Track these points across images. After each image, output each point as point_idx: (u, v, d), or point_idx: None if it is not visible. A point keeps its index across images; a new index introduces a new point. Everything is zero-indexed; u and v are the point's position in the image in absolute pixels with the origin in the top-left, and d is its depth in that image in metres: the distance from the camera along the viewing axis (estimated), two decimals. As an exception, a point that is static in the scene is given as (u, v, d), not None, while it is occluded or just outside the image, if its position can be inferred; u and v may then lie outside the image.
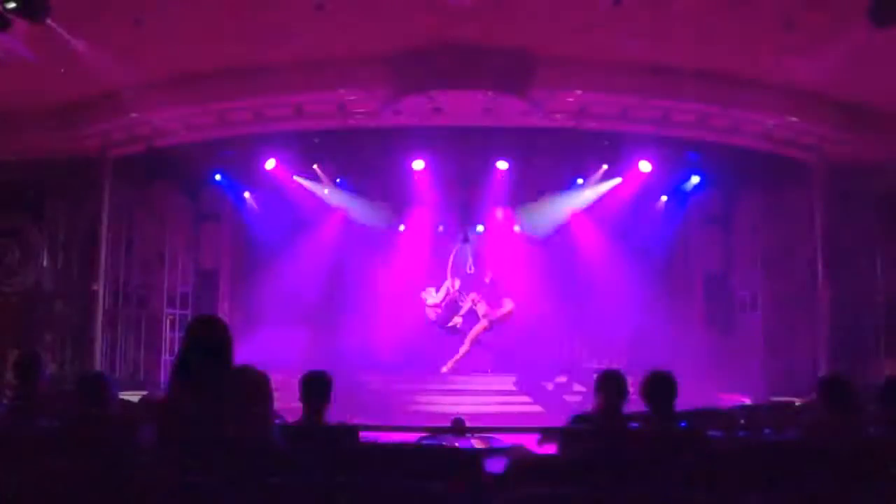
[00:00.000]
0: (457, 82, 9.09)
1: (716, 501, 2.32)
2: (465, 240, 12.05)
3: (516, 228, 13.72)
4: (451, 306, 12.86)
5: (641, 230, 12.97)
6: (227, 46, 8.53)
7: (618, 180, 12.50)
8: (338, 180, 12.88)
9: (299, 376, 4.45)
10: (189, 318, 12.12)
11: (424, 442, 5.21)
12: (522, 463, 3.27)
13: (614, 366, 11.58)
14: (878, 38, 7.03)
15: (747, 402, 10.13)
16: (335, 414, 4.38)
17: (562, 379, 12.24)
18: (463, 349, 12.87)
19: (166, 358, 12.05)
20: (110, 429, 3.92)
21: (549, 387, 12.08)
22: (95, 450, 3.15)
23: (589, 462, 3.05)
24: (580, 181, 12.87)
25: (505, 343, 13.23)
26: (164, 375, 11.71)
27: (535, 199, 13.21)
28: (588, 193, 12.96)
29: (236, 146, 11.42)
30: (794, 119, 9.80)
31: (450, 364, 12.72)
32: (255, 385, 3.03)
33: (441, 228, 13.52)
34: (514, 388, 12.16)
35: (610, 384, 4.46)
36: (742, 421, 6.24)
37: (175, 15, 7.65)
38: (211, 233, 13.34)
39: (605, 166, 12.33)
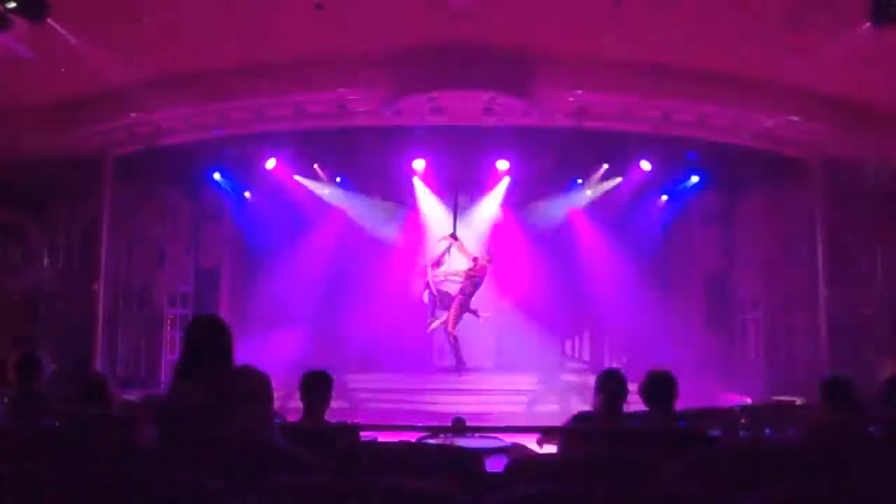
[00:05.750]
0: (457, 82, 9.10)
1: (716, 501, 2.32)
2: (454, 237, 12.29)
3: (516, 228, 13.71)
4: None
5: (641, 230, 12.97)
6: (227, 46, 8.53)
7: (618, 180, 12.51)
8: (338, 180, 12.89)
9: (299, 376, 4.45)
10: (189, 318, 12.13)
11: (424, 442, 5.21)
12: (522, 463, 3.28)
13: (614, 365, 11.63)
14: (878, 38, 7.03)
15: (747, 402, 10.13)
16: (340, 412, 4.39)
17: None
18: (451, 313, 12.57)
19: (167, 358, 12.05)
20: (110, 429, 3.92)
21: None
22: (95, 450, 3.15)
23: (589, 462, 3.05)
24: (580, 181, 12.88)
25: (505, 342, 13.23)
26: (164, 375, 11.71)
27: (535, 199, 13.21)
28: (588, 193, 12.97)
29: (236, 146, 11.43)
30: (794, 119, 9.81)
31: (436, 324, 12.58)
32: (256, 385, 3.03)
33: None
34: (514, 388, 12.16)
35: (610, 384, 4.46)
36: (742, 421, 6.23)
37: (175, 15, 7.66)
38: (211, 233, 13.34)
39: (605, 166, 12.34)
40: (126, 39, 7.94)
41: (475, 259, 12.64)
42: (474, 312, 12.68)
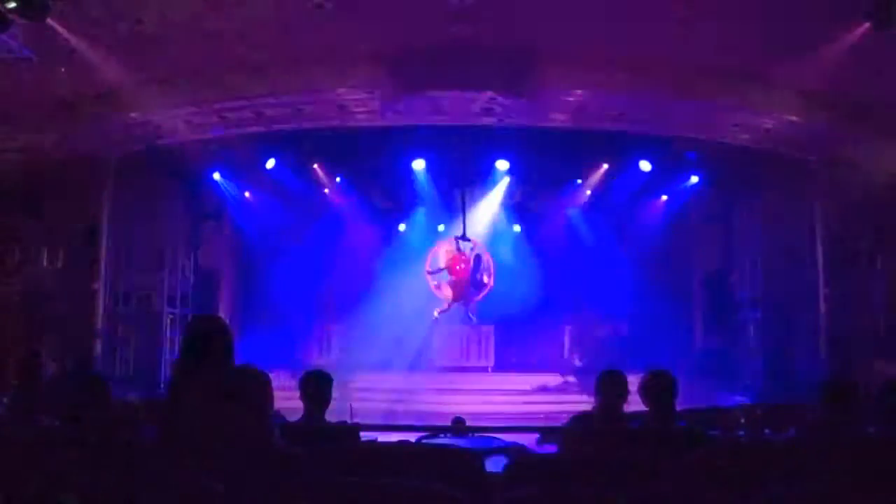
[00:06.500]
0: (457, 82, 9.09)
1: (716, 501, 2.32)
2: (464, 237, 12.16)
3: (516, 228, 13.72)
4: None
5: (641, 230, 12.98)
6: (228, 46, 8.53)
7: (618, 180, 12.52)
8: (338, 180, 12.89)
9: (299, 376, 4.45)
10: (189, 318, 12.14)
11: (424, 442, 5.21)
12: (522, 463, 3.28)
13: (614, 366, 11.60)
14: (878, 38, 7.04)
15: (747, 402, 10.13)
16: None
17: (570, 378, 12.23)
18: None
19: (166, 358, 12.05)
20: (110, 429, 3.92)
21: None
22: (95, 450, 3.15)
23: (589, 462, 3.05)
24: (580, 181, 12.89)
25: (505, 342, 13.24)
26: (164, 375, 11.71)
27: (535, 199, 13.21)
28: (588, 193, 12.98)
29: (236, 146, 11.43)
30: (794, 119, 9.80)
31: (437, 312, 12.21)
32: (256, 385, 3.03)
33: (442, 227, 13.53)
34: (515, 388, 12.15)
35: (610, 384, 4.45)
36: (742, 421, 6.24)
37: (175, 15, 7.66)
38: (211, 233, 13.34)
39: (605, 166, 12.35)
40: (126, 39, 7.94)
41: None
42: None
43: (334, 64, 9.13)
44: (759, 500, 2.09)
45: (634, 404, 4.43)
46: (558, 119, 10.06)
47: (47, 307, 10.67)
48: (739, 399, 10.54)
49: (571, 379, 12.24)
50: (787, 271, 11.57)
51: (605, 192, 12.81)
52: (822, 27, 7.41)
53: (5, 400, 4.97)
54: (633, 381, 4.38)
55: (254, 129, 10.46)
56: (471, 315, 12.45)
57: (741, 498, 2.14)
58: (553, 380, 12.35)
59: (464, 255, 12.16)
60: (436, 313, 12.23)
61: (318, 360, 12.43)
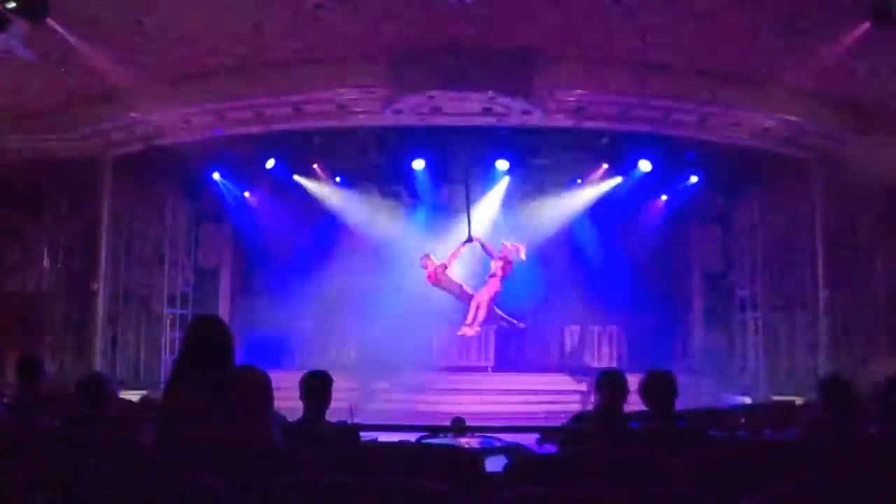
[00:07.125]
0: (457, 82, 9.09)
1: (716, 501, 2.32)
2: (469, 239, 12.13)
3: (516, 227, 13.70)
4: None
5: (641, 230, 12.97)
6: (227, 46, 8.53)
7: (618, 180, 12.51)
8: (338, 179, 12.89)
9: (300, 376, 4.45)
10: (189, 318, 12.13)
11: (424, 441, 5.20)
12: (522, 463, 3.27)
13: (614, 365, 11.60)
14: (878, 38, 7.04)
15: (747, 402, 10.14)
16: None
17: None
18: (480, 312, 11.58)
19: (166, 357, 12.06)
20: (110, 429, 3.92)
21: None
22: (95, 450, 3.15)
23: (589, 462, 3.05)
24: (580, 181, 12.88)
25: (505, 342, 13.23)
26: (164, 375, 11.71)
27: (535, 199, 13.20)
28: (588, 193, 12.97)
29: (236, 146, 11.43)
30: (794, 119, 9.81)
31: (466, 329, 11.57)
32: (256, 384, 3.03)
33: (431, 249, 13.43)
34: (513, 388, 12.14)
35: (610, 384, 4.45)
36: (742, 421, 6.24)
37: (175, 15, 7.66)
38: (211, 233, 13.35)
39: (605, 166, 12.35)
40: (126, 39, 7.95)
41: (506, 257, 11.94)
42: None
43: (334, 64, 9.13)
44: (760, 499, 2.09)
45: (634, 404, 4.43)
46: (558, 119, 10.07)
47: (47, 307, 10.68)
48: (739, 399, 10.54)
49: (571, 379, 12.23)
50: (787, 271, 11.57)
51: (605, 193, 12.79)
52: (821, 27, 7.41)
53: (5, 400, 4.97)
54: (633, 381, 4.38)
55: (254, 129, 10.47)
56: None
57: (741, 498, 2.14)
58: (553, 379, 12.33)
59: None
60: (472, 330, 11.59)
61: (318, 360, 12.42)
